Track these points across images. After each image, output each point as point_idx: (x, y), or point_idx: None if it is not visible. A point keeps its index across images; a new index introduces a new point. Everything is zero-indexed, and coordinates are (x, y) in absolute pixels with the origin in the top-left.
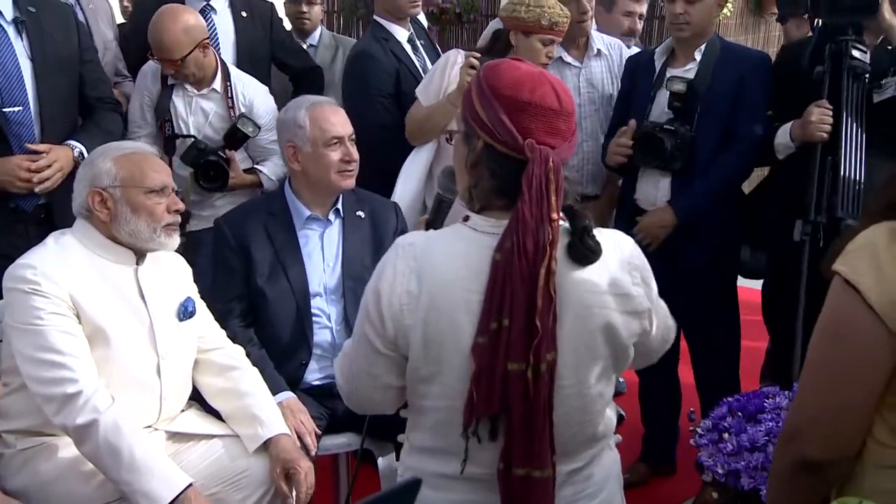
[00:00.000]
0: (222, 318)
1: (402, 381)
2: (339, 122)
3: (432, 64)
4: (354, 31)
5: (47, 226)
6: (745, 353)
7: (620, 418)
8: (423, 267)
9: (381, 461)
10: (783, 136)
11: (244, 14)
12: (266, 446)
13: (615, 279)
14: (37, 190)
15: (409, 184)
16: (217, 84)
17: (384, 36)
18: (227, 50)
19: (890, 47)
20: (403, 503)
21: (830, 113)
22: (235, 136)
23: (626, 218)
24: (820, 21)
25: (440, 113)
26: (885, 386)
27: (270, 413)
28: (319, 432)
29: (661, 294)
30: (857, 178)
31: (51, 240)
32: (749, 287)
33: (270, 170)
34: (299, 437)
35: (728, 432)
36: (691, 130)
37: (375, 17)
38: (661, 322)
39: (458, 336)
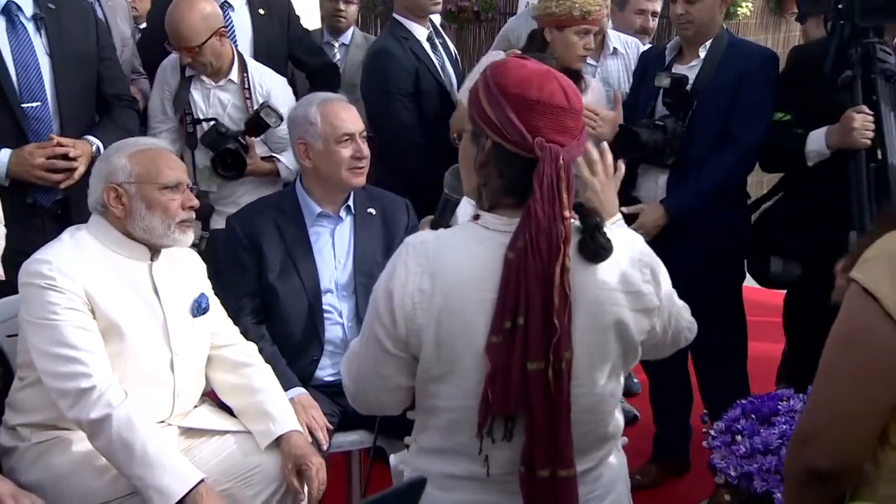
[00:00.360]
0: (234, 315)
1: (410, 381)
2: (351, 119)
3: (451, 63)
4: (372, 29)
5: (64, 221)
6: (761, 355)
7: (635, 418)
8: (436, 266)
9: (392, 458)
10: (817, 143)
11: (261, 11)
12: (278, 443)
13: (626, 276)
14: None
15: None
16: (234, 75)
17: (403, 34)
18: (245, 47)
19: None
20: (408, 502)
21: (872, 118)
22: (258, 125)
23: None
24: (840, 23)
25: None
26: None
27: (282, 410)
28: (331, 427)
29: None
30: None
31: (66, 235)
32: (760, 287)
33: (289, 160)
34: (311, 433)
35: (741, 434)
36: (683, 126)
37: (395, 15)
38: (673, 320)
39: (471, 335)
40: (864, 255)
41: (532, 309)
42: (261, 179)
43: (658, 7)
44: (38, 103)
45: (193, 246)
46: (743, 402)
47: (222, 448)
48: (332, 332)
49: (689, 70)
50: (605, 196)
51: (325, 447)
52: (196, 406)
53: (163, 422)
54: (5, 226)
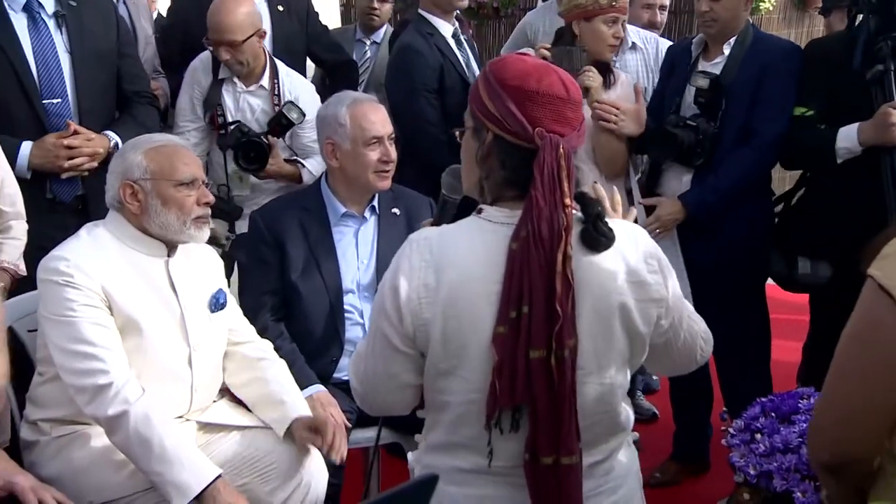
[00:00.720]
0: (255, 311)
1: (418, 379)
2: (380, 121)
3: (476, 59)
4: (391, 24)
5: (84, 216)
6: (782, 353)
7: (654, 416)
8: (441, 260)
9: (410, 455)
10: (848, 139)
11: (280, 8)
12: (292, 443)
13: (630, 267)
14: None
15: None
16: (265, 80)
17: (429, 31)
18: (264, 43)
19: None
20: (420, 499)
21: None
22: (280, 123)
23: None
24: (868, 17)
25: None
26: None
27: (296, 398)
28: (350, 425)
29: None
30: None
31: (84, 231)
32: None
33: (313, 166)
34: None
35: (761, 433)
36: (715, 126)
37: (420, 10)
38: (685, 323)
39: (478, 328)
40: (883, 251)
41: (535, 297)
42: (289, 186)
43: (666, 0)
44: (59, 100)
45: (219, 246)
46: (763, 400)
47: (240, 443)
48: (353, 332)
49: (714, 67)
50: None
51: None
52: (214, 401)
53: (181, 417)
54: (26, 221)
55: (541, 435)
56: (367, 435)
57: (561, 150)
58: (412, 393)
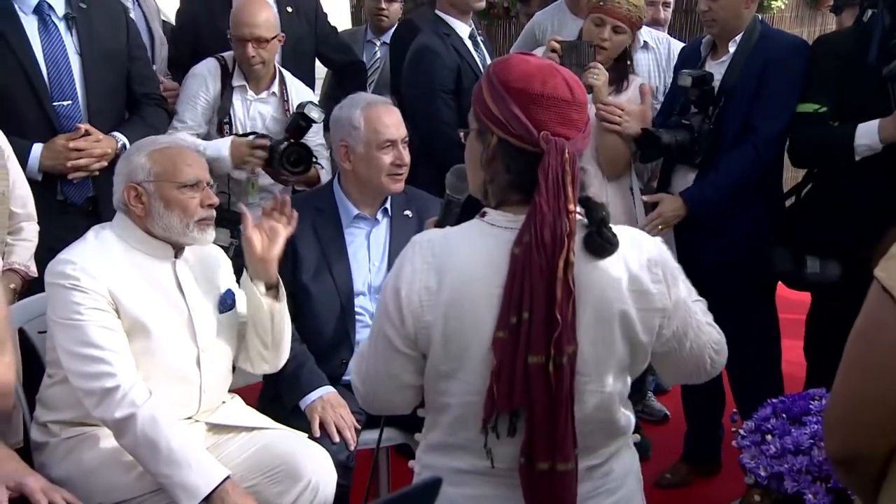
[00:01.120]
0: None
1: (419, 380)
2: (394, 124)
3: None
4: None
5: (94, 218)
6: (793, 353)
7: (665, 417)
8: (443, 263)
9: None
10: (868, 136)
11: (289, 9)
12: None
13: (633, 275)
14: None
15: None
16: (275, 88)
17: (446, 31)
18: None
19: None
20: (423, 502)
21: None
22: (299, 124)
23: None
24: (882, 12)
25: None
26: None
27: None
28: (359, 427)
29: None
30: None
31: (91, 234)
32: None
33: (326, 167)
34: (339, 431)
35: (771, 434)
36: (710, 123)
37: (437, 11)
38: (691, 332)
39: (479, 331)
40: (891, 251)
41: (535, 303)
42: (287, 189)
43: None
44: (69, 101)
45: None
46: (773, 401)
47: (249, 444)
48: (363, 334)
49: (720, 66)
50: None
51: (352, 447)
52: (224, 402)
53: (190, 418)
54: (37, 223)
55: (537, 440)
56: (376, 436)
57: (566, 154)
58: (413, 393)
